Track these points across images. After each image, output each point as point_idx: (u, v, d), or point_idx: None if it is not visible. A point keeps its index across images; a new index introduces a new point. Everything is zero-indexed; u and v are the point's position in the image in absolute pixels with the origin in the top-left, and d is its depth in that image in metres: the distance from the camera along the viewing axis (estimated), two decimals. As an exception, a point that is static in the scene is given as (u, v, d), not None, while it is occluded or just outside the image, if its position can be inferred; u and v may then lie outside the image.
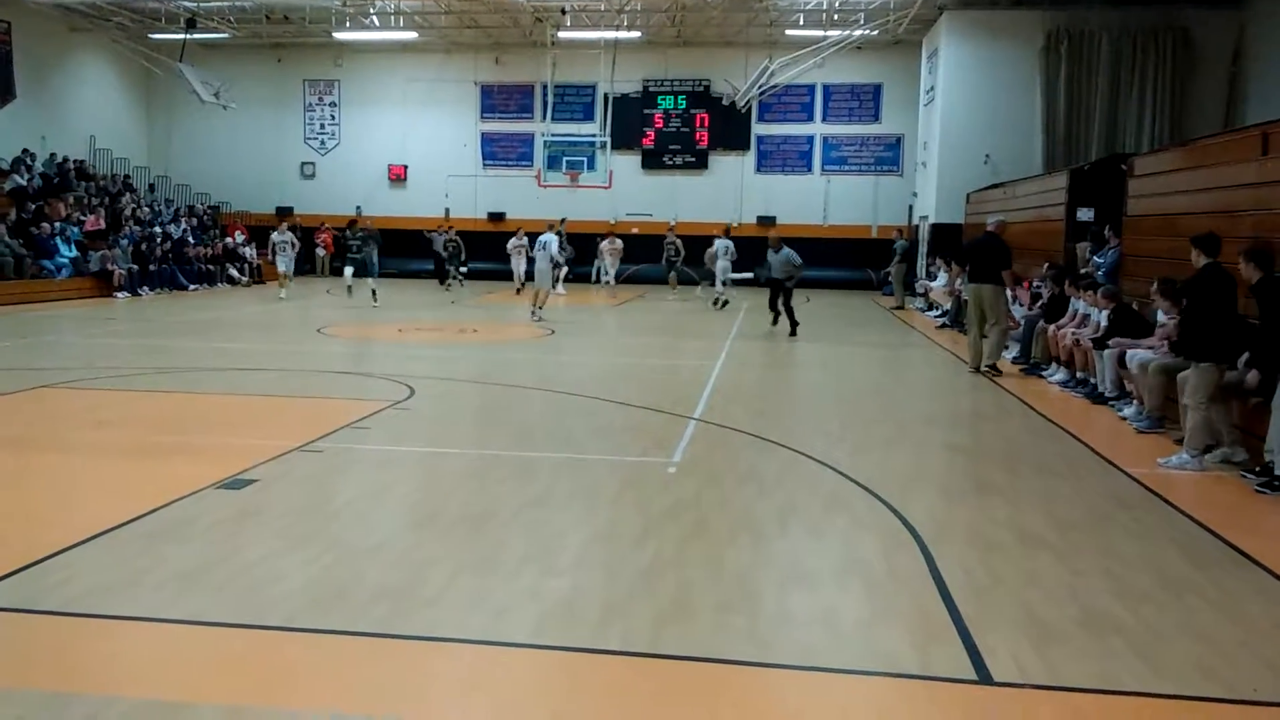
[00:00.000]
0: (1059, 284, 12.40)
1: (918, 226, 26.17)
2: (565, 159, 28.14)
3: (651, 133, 29.54)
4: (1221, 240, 7.69)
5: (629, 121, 28.76)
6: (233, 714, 3.37)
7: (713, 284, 21.97)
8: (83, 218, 23.43)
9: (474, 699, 3.58)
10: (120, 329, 16.00)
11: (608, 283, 25.43)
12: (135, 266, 22.38)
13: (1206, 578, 4.88)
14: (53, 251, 21.46)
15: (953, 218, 23.06)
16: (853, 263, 28.06)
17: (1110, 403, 9.62)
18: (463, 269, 26.55)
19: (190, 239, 25.49)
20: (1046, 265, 13.80)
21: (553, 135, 27.87)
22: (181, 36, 24.92)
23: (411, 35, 27.45)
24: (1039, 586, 4.71)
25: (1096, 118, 21.98)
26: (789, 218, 28.13)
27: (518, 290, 23.24)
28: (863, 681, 3.75)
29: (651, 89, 29.41)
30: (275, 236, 21.95)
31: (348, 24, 26.47)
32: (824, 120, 29.12)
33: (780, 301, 16.28)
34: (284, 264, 21.90)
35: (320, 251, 29.03)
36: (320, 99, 30.95)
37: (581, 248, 27.09)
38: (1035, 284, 14.42)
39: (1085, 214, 15.33)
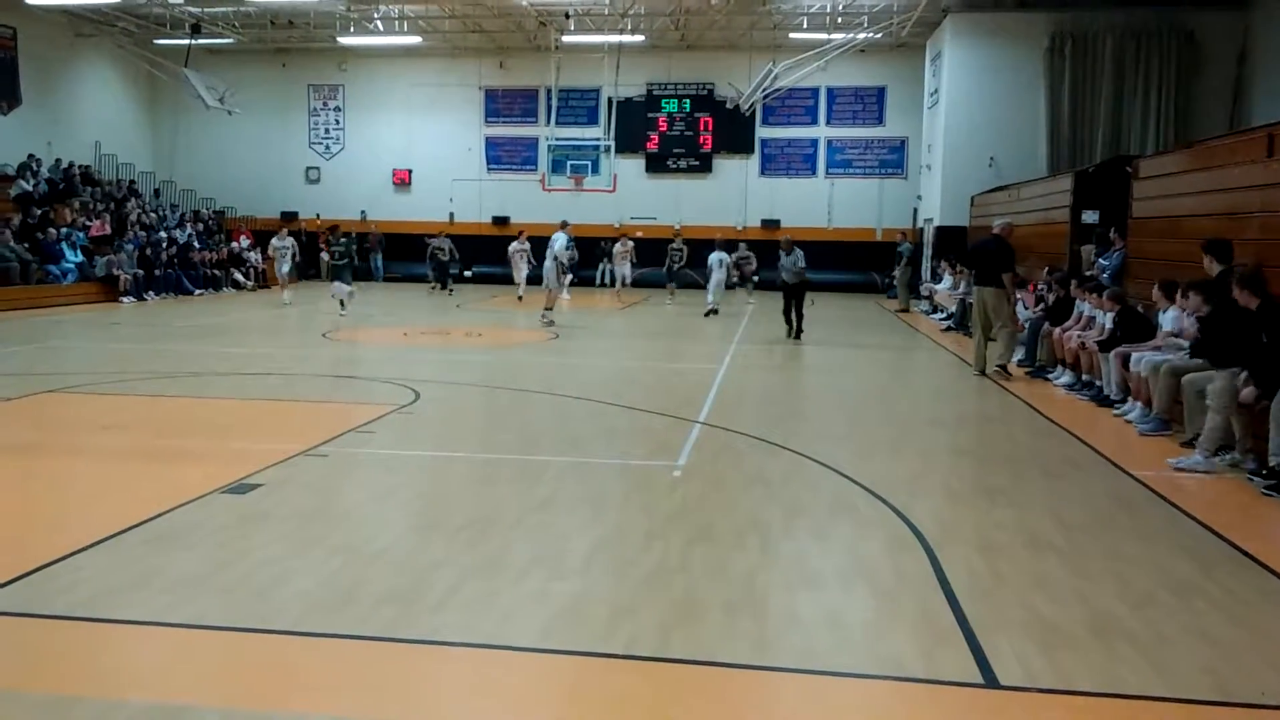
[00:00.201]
0: (1064, 286, 12.39)
1: (922, 229, 26.15)
2: (569, 163, 28.22)
3: (655, 136, 29.55)
4: (1232, 244, 7.67)
5: (633, 125, 28.80)
6: (238, 718, 3.37)
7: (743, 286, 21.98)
8: (88, 223, 23.49)
9: (481, 703, 3.58)
10: (126, 334, 16.04)
11: (624, 284, 24.85)
12: (141, 271, 22.42)
13: (1213, 581, 4.87)
14: (58, 256, 21.51)
15: (957, 220, 23.04)
16: (857, 266, 28.04)
17: (1115, 405, 9.61)
18: (450, 276, 26.22)
19: (195, 244, 25.53)
20: (1047, 269, 13.76)
21: (557, 139, 27.93)
22: (186, 42, 24.95)
23: (416, 40, 27.50)
24: (1045, 589, 4.70)
25: (1101, 120, 21.93)
26: (793, 221, 28.10)
27: (519, 297, 22.79)
28: (869, 685, 3.75)
29: (655, 92, 29.43)
30: (275, 242, 21.57)
31: (352, 29, 26.53)
32: (828, 123, 29.12)
33: (794, 308, 15.82)
34: (284, 270, 21.58)
35: (325, 257, 29.07)
36: (325, 104, 31.02)
37: (585, 251, 27.06)
38: (1039, 287, 14.39)
39: (1090, 216, 15.30)
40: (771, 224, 28.60)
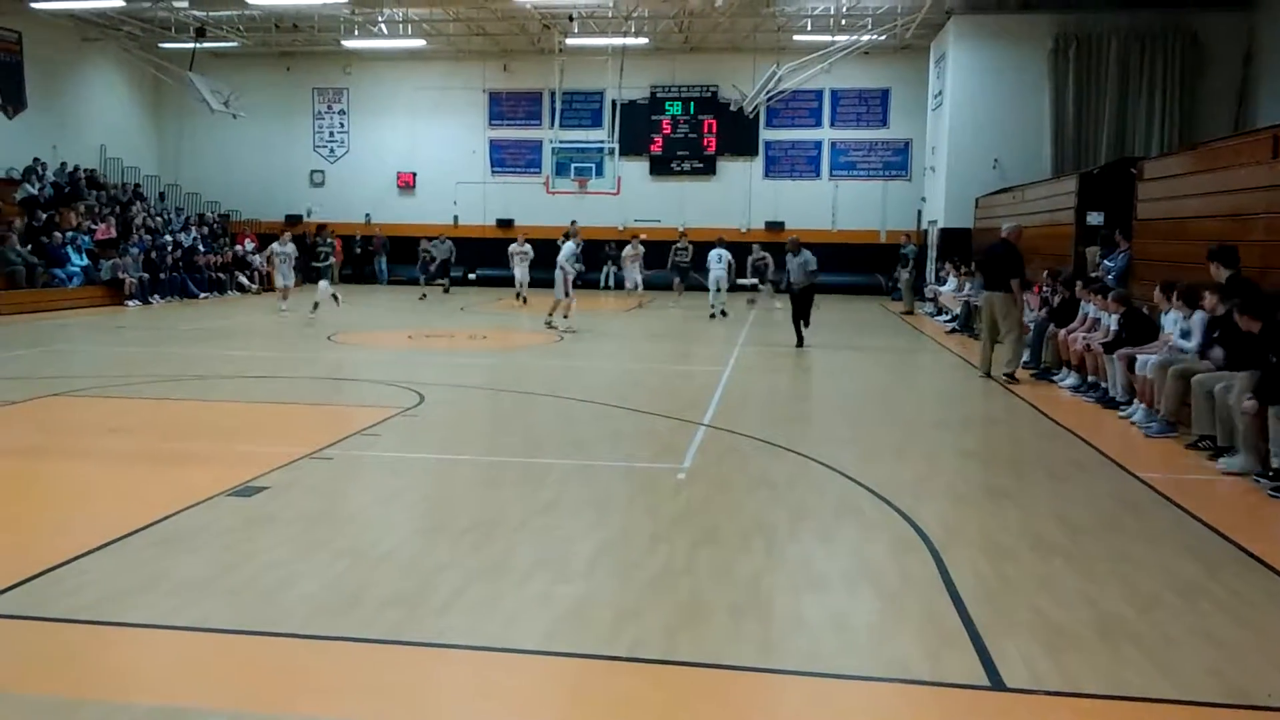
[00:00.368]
0: (1069, 288, 12.36)
1: (926, 231, 26.14)
2: (573, 165, 28.28)
3: (659, 139, 29.56)
4: (1238, 250, 7.64)
5: (637, 128, 28.82)
6: (245, 721, 3.38)
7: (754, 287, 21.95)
8: (94, 226, 23.57)
9: (486, 705, 3.58)
10: (131, 337, 16.07)
11: (636, 287, 24.63)
12: (146, 275, 22.49)
13: (1219, 582, 4.86)
14: (64, 260, 21.58)
15: (962, 222, 23.03)
16: (861, 268, 28.01)
17: (1121, 407, 9.59)
18: (440, 280, 25.82)
19: (200, 247, 25.58)
20: (1045, 273, 13.69)
21: (561, 142, 27.98)
22: (191, 46, 25.04)
23: (420, 43, 27.55)
24: (1051, 592, 4.69)
25: (1105, 121, 21.92)
26: (797, 223, 28.05)
27: (523, 301, 22.38)
28: (874, 688, 3.75)
29: (659, 95, 29.44)
30: (276, 247, 19.94)
31: (356, 32, 26.59)
32: (832, 125, 29.11)
33: (802, 315, 15.16)
34: (283, 277, 19.92)
35: (331, 259, 29.13)
36: (329, 107, 31.07)
37: (589, 254, 26.97)
38: (1042, 289, 14.37)
39: (1095, 218, 15.29)
40: (776, 226, 28.60)
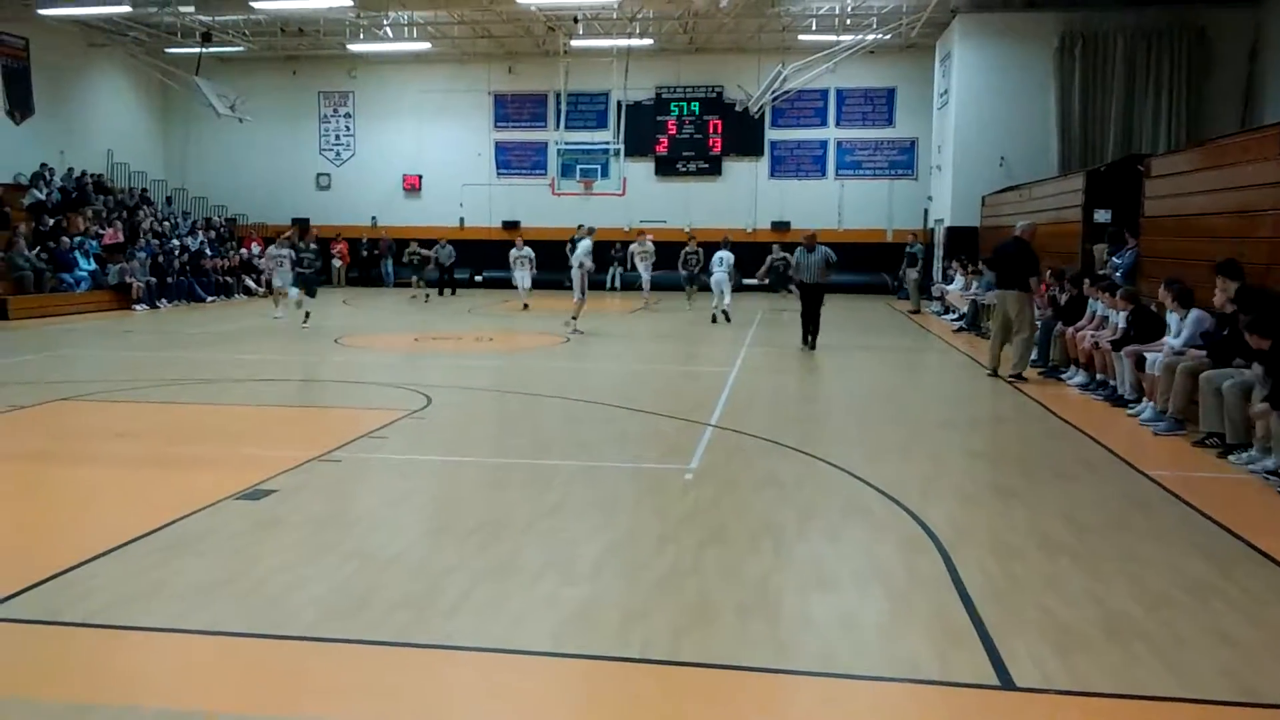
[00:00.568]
0: (1077, 285, 12.32)
1: (933, 230, 26.09)
2: (579, 167, 28.28)
3: (665, 140, 29.54)
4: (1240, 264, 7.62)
5: (642, 129, 28.79)
6: (253, 724, 3.38)
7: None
8: (101, 231, 23.62)
9: (493, 707, 3.57)
10: (138, 341, 16.10)
11: (642, 289, 24.19)
12: (153, 279, 22.53)
13: (1230, 580, 4.83)
14: (72, 265, 21.64)
15: (968, 221, 22.97)
16: (868, 267, 27.94)
17: (1130, 405, 9.56)
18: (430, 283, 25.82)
19: (207, 251, 25.65)
20: (1049, 271, 13.63)
21: (566, 143, 27.99)
22: (197, 50, 25.11)
23: (425, 46, 27.59)
24: (1060, 591, 4.67)
25: (1112, 119, 21.84)
26: (803, 223, 27.87)
27: (524, 307, 21.94)
28: (883, 688, 3.73)
29: (664, 96, 29.43)
30: (273, 250, 18.77)
31: (361, 36, 26.62)
32: (837, 125, 29.06)
33: (811, 314, 14.74)
34: (280, 280, 18.59)
35: (336, 263, 29.27)
36: (335, 110, 31.12)
37: (597, 255, 26.81)
38: (1049, 287, 14.32)
39: (1102, 215, 15.24)
40: (781, 226, 28.57)
